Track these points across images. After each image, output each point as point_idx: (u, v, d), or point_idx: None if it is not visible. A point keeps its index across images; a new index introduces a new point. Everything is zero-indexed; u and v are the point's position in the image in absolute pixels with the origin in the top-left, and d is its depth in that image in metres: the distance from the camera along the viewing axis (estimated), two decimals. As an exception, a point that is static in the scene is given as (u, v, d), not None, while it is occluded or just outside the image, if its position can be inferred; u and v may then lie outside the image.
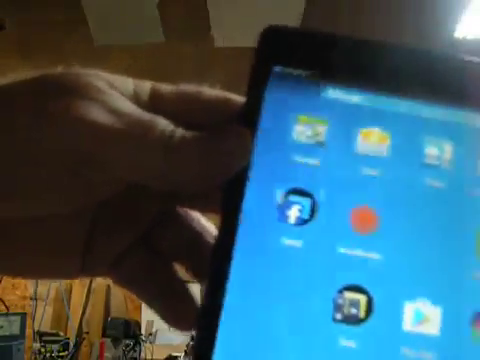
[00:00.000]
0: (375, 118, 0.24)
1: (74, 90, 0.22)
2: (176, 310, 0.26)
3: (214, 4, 2.12)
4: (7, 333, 2.11)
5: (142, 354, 2.74)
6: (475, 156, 0.24)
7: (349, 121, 0.24)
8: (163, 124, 0.22)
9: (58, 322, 3.05)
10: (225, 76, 1.39)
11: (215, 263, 0.23)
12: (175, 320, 0.26)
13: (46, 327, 2.86)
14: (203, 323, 0.22)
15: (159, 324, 2.76)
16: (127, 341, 2.67)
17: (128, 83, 0.24)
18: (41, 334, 2.53)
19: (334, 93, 0.24)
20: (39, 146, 0.22)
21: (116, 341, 2.64)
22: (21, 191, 0.22)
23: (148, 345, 2.86)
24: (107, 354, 2.63)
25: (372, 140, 0.24)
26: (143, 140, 0.22)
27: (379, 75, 0.24)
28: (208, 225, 0.27)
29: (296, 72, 0.24)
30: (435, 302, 0.22)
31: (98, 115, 0.22)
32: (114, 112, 0.22)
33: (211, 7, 2.14)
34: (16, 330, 2.14)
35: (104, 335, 2.77)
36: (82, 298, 2.99)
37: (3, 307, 2.22)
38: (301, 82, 0.24)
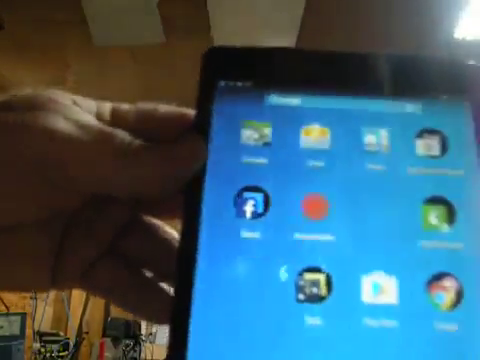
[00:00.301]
0: (314, 116, 0.26)
1: (38, 105, 0.24)
2: (152, 304, 0.26)
3: (214, 4, 2.13)
4: (7, 333, 2.11)
5: (142, 354, 2.74)
6: (409, 139, 0.26)
7: (291, 121, 0.26)
8: (123, 134, 0.24)
9: (58, 322, 3.05)
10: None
11: (181, 261, 0.24)
12: (154, 314, 0.26)
13: (46, 327, 2.86)
14: (175, 321, 0.24)
15: (159, 324, 2.74)
16: (127, 341, 2.67)
17: (91, 103, 0.26)
18: (41, 334, 2.52)
19: (275, 99, 0.27)
20: (6, 154, 0.23)
21: (116, 341, 2.64)
22: None
23: (148, 345, 2.86)
24: (107, 354, 2.63)
25: (314, 135, 0.26)
26: (104, 146, 0.24)
27: (313, 78, 0.27)
28: (171, 231, 0.28)
29: (238, 84, 0.27)
30: (389, 273, 0.24)
31: (60, 124, 0.23)
32: (76, 123, 0.24)
33: (211, 7, 2.14)
34: (16, 330, 2.13)
35: (104, 335, 2.77)
36: (82, 298, 2.99)
37: (3, 307, 2.22)
38: (244, 92, 0.27)
